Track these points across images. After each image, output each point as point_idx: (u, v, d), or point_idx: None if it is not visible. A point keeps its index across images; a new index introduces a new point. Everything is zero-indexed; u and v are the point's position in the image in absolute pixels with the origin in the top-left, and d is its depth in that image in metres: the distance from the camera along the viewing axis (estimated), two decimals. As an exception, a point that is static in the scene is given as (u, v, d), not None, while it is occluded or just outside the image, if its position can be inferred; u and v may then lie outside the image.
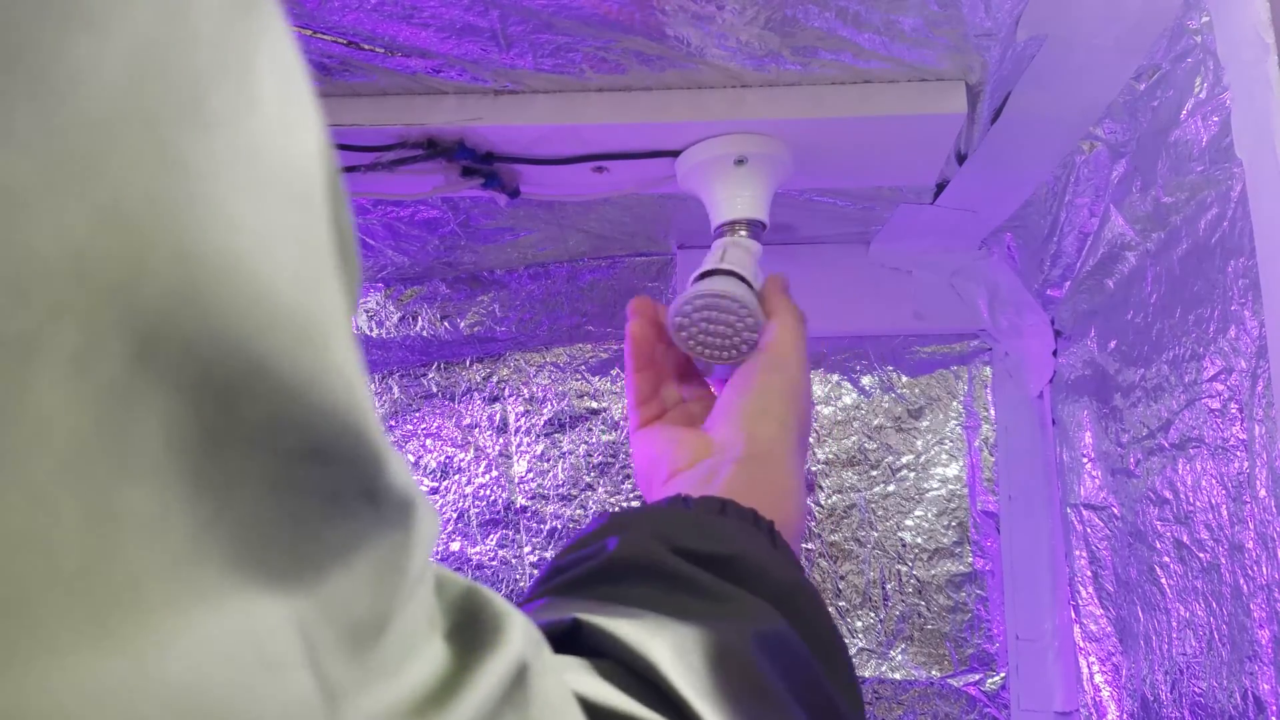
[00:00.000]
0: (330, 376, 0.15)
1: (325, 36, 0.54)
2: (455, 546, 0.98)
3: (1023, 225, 0.76)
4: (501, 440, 0.99)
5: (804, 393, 0.53)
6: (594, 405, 0.94)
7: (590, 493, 0.86)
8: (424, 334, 1.00)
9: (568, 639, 0.29)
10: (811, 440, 0.85)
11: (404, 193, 0.71)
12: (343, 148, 0.63)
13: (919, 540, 0.83)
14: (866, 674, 0.82)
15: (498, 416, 0.98)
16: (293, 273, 0.15)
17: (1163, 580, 0.62)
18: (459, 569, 1.03)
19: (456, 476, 0.87)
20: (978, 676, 0.81)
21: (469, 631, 0.20)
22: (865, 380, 0.86)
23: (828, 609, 0.39)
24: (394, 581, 0.17)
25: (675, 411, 0.58)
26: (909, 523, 0.83)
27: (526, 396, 0.97)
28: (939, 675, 0.82)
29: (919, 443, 0.84)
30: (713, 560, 0.36)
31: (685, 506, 0.42)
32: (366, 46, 0.54)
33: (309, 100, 0.16)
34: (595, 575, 0.36)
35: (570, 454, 0.87)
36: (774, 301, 0.57)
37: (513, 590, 0.91)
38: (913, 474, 0.84)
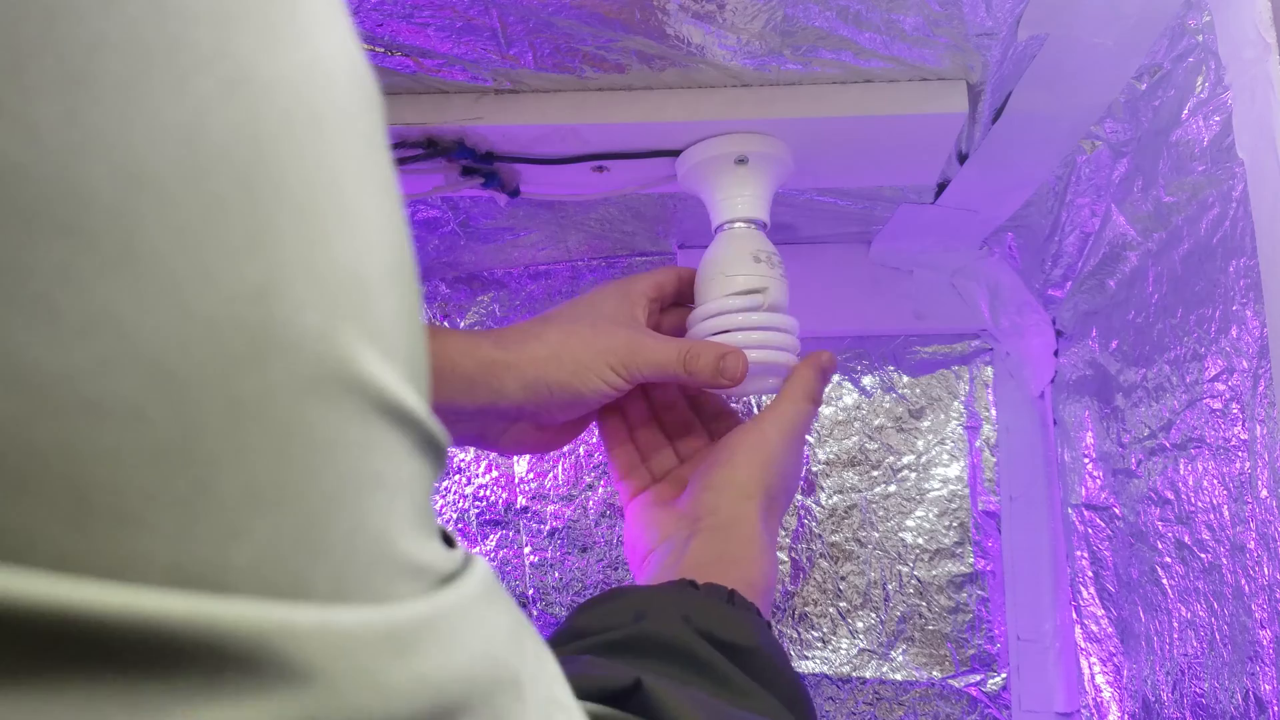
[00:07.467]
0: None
1: (325, 36, 0.53)
2: (456, 547, 0.97)
3: (1024, 225, 0.76)
4: (502, 440, 0.99)
5: (782, 470, 0.53)
6: (594, 405, 0.94)
7: (590, 493, 0.86)
8: (424, 334, 1.00)
9: (623, 696, 0.30)
10: (812, 440, 0.85)
11: (404, 193, 0.71)
12: (342, 148, 0.63)
13: (920, 541, 0.83)
14: (867, 675, 0.82)
15: (498, 417, 0.98)
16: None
17: (1164, 581, 0.62)
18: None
19: (456, 476, 0.87)
20: (979, 677, 0.81)
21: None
22: (866, 380, 0.86)
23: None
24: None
25: (665, 483, 0.58)
26: (910, 523, 0.83)
27: (527, 397, 0.97)
28: (940, 676, 0.81)
29: (920, 443, 0.84)
30: (733, 650, 0.38)
31: (695, 590, 0.43)
32: (366, 46, 0.54)
33: None
34: (620, 646, 0.37)
35: (570, 454, 0.86)
36: (793, 386, 0.56)
37: (512, 591, 0.91)
38: (914, 474, 0.84)
